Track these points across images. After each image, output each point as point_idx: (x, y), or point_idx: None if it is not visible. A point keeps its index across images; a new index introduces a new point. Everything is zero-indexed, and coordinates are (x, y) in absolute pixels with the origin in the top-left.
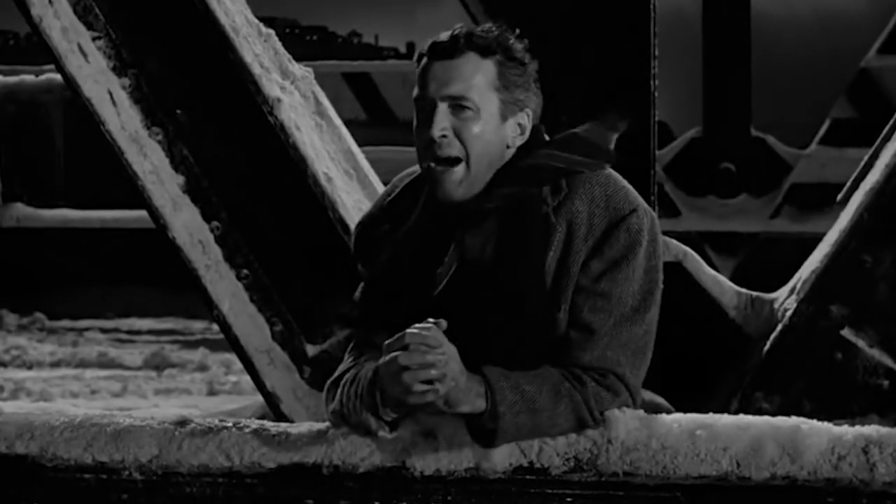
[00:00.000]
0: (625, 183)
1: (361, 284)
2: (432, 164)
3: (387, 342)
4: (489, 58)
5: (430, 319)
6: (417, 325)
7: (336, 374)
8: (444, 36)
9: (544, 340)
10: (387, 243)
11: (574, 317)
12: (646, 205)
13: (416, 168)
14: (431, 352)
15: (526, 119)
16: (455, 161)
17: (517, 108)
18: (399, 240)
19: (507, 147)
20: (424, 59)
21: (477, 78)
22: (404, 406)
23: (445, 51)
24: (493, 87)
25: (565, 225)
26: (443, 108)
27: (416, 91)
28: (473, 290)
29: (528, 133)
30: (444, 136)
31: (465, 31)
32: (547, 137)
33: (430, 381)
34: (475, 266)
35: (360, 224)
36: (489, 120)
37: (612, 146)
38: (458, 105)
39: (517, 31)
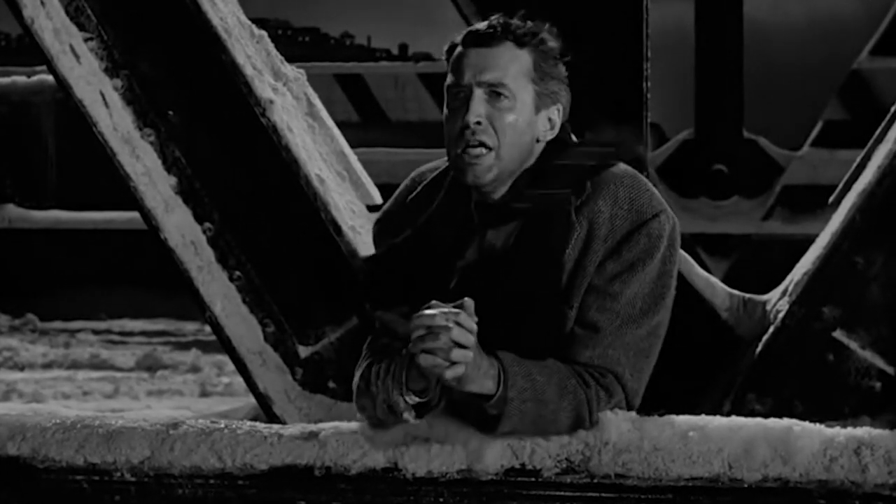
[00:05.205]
0: (649, 186)
1: (368, 272)
2: (463, 151)
3: (420, 314)
4: (525, 48)
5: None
6: (443, 307)
7: (359, 369)
8: (481, 25)
9: (554, 336)
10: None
11: (582, 315)
12: (669, 210)
13: (435, 164)
14: (462, 334)
15: (557, 114)
16: (486, 148)
17: (550, 100)
18: (419, 227)
19: (538, 141)
20: (459, 48)
21: (514, 66)
22: (430, 381)
23: (482, 39)
24: (529, 77)
25: (586, 224)
26: (479, 94)
27: (449, 79)
28: (490, 282)
29: (557, 128)
30: (478, 123)
31: (503, 22)
32: (574, 138)
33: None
34: (493, 258)
35: (380, 221)
36: (523, 110)
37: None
38: (494, 92)
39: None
